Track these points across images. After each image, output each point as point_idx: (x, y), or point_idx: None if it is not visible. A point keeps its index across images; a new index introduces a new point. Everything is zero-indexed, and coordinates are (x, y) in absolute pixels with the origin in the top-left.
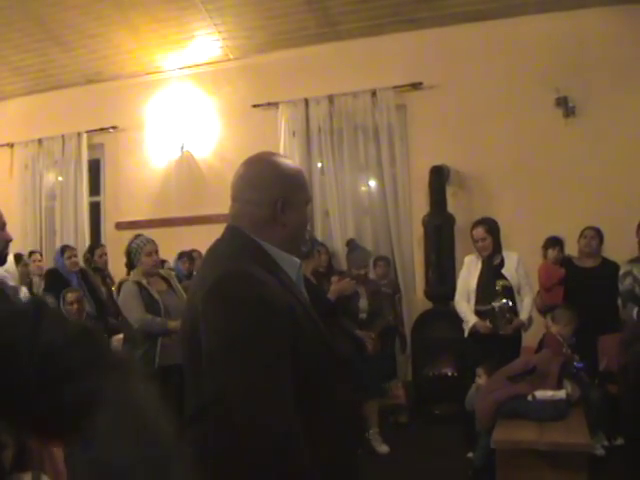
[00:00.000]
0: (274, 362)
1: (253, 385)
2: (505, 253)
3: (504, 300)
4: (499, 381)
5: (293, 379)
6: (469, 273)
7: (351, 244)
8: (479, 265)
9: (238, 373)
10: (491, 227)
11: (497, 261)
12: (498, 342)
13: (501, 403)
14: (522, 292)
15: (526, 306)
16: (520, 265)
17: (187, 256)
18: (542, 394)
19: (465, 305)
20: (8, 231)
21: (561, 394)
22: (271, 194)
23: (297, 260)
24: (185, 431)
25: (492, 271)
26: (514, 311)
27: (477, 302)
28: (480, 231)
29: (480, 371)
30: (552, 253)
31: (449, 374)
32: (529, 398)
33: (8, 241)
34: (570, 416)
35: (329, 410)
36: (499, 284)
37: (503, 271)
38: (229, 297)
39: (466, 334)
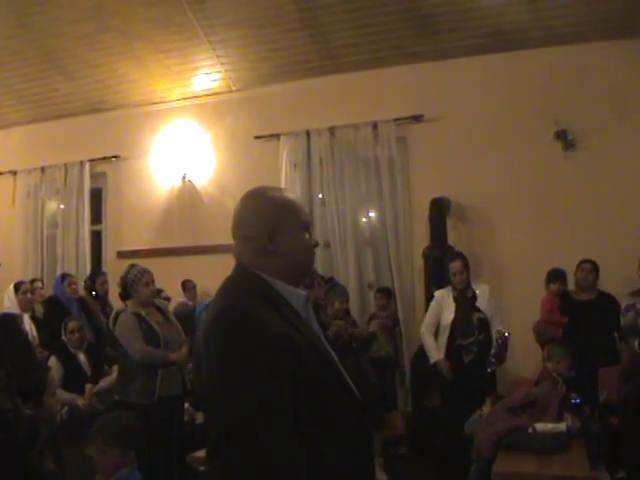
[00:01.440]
0: (270, 396)
1: (249, 421)
2: (475, 286)
3: (506, 333)
4: (500, 412)
5: (295, 412)
6: (441, 307)
7: (331, 281)
8: (451, 300)
9: (235, 409)
10: (466, 261)
11: (470, 294)
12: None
13: (502, 435)
14: (494, 323)
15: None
16: (492, 297)
17: (181, 286)
18: (542, 426)
19: (431, 340)
20: None
21: (561, 427)
22: (258, 226)
23: (302, 293)
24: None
25: (468, 305)
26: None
27: (456, 336)
28: (458, 265)
29: (488, 400)
30: (554, 287)
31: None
32: (530, 430)
33: None
34: (571, 449)
35: (335, 442)
36: (475, 317)
37: (477, 304)
38: (224, 333)
39: (448, 375)
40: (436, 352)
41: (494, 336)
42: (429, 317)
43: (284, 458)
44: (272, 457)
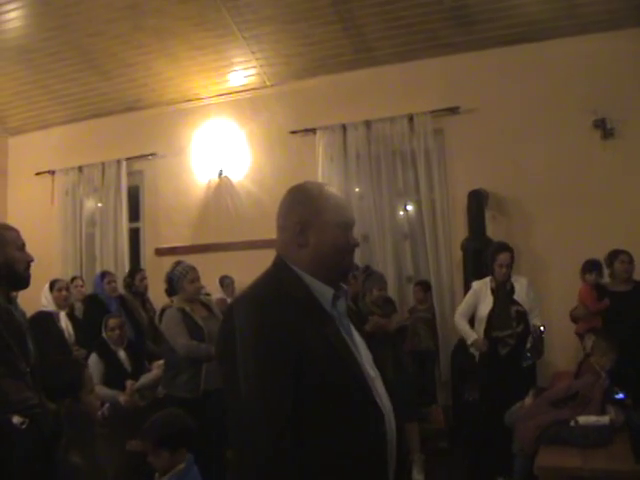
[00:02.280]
0: (269, 391)
1: (250, 414)
2: (514, 278)
3: (541, 327)
4: (541, 406)
5: (300, 411)
6: (477, 299)
7: (367, 270)
8: (489, 291)
9: (237, 402)
10: (513, 254)
11: (509, 287)
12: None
13: (543, 428)
14: (532, 315)
15: None
16: (531, 289)
17: (219, 282)
18: (585, 419)
19: (465, 324)
20: (28, 252)
21: (605, 420)
22: (291, 218)
23: (329, 289)
24: None
25: (506, 297)
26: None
27: (493, 329)
28: (507, 257)
29: (531, 392)
30: (589, 277)
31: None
32: (572, 423)
33: (29, 262)
34: (614, 442)
35: (344, 450)
36: (513, 310)
37: (515, 297)
38: (239, 322)
39: (478, 359)
40: (472, 333)
41: (532, 329)
42: (464, 306)
43: (269, 448)
44: (264, 454)
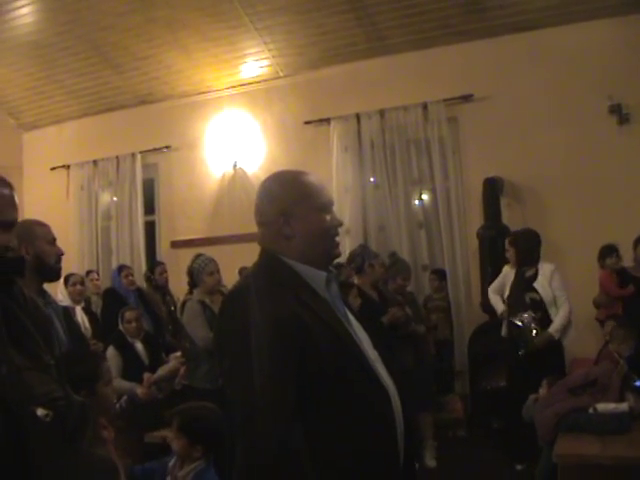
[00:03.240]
0: (271, 383)
1: (249, 406)
2: (540, 265)
3: (525, 314)
4: (559, 393)
5: (305, 399)
6: (505, 282)
7: (394, 256)
8: (512, 276)
9: (238, 394)
10: (516, 239)
11: (529, 273)
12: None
13: (562, 416)
14: (558, 303)
15: (559, 318)
16: (555, 276)
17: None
18: (604, 407)
19: (496, 296)
20: (58, 245)
21: (624, 407)
22: (273, 212)
23: (322, 273)
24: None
25: (522, 284)
26: (542, 325)
27: (509, 314)
28: (507, 242)
29: (544, 382)
30: (610, 261)
31: (503, 386)
32: (590, 411)
33: (60, 255)
34: (633, 429)
35: (352, 436)
36: (528, 297)
37: (536, 284)
38: (227, 313)
39: (503, 332)
40: (501, 305)
41: (518, 319)
42: (495, 283)
43: (275, 442)
44: (267, 444)
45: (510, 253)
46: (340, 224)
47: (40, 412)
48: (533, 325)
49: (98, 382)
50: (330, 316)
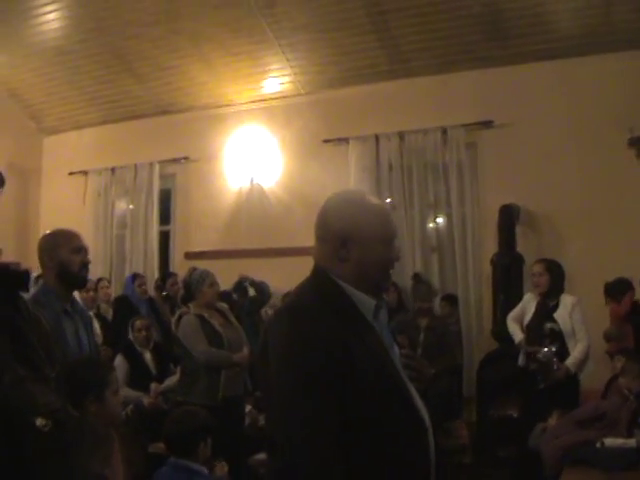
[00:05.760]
0: (313, 409)
1: (293, 431)
2: (562, 296)
3: (545, 349)
4: (567, 425)
5: (346, 427)
6: (524, 310)
7: (416, 278)
8: (533, 305)
9: (282, 418)
10: (551, 266)
11: (552, 303)
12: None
13: (568, 449)
14: (577, 337)
15: (578, 352)
16: (576, 309)
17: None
18: (612, 441)
19: (515, 324)
20: (86, 254)
21: (631, 442)
22: (333, 231)
23: (371, 301)
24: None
25: (544, 313)
26: (560, 357)
27: (527, 342)
28: (539, 266)
29: (555, 413)
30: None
31: (514, 416)
32: (598, 445)
33: (85, 263)
34: None
35: (391, 463)
36: (547, 327)
37: (556, 315)
38: (282, 334)
39: (520, 361)
40: (519, 333)
41: (540, 352)
42: (515, 311)
43: (320, 474)
44: (309, 472)
45: (543, 279)
46: (398, 258)
47: (39, 422)
48: (555, 360)
49: (106, 390)
50: (377, 345)
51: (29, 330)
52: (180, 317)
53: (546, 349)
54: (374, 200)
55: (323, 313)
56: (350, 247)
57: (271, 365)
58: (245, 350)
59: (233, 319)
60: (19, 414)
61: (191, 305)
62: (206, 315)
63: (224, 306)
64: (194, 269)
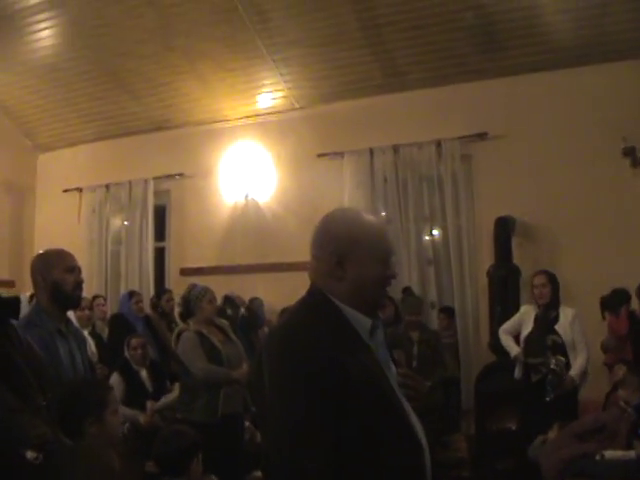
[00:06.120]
0: (311, 427)
1: (290, 450)
2: (561, 308)
3: (561, 357)
4: (566, 438)
5: (343, 447)
6: (521, 322)
7: (405, 291)
8: (532, 317)
9: (280, 436)
10: (552, 278)
11: (552, 315)
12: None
13: (568, 461)
14: (577, 349)
15: (579, 365)
16: (576, 321)
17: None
18: (612, 454)
19: (508, 337)
20: (79, 274)
21: (631, 454)
22: (328, 249)
23: (367, 320)
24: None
25: (545, 325)
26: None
27: (526, 355)
28: (541, 278)
29: (555, 425)
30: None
31: (512, 428)
32: (598, 457)
33: (78, 283)
34: None
35: (389, 475)
36: (550, 339)
37: (557, 327)
38: (278, 353)
39: (517, 374)
40: (515, 347)
41: (551, 362)
42: (509, 324)
43: None
44: None
45: (546, 290)
46: (394, 276)
47: (30, 454)
48: (564, 370)
49: (105, 410)
50: (373, 364)
51: (20, 358)
52: (180, 334)
53: (554, 360)
54: (370, 218)
55: (318, 332)
56: (346, 266)
57: (266, 383)
58: (245, 366)
59: (233, 335)
60: (9, 447)
61: (190, 322)
62: (205, 332)
63: (224, 322)
64: (193, 285)
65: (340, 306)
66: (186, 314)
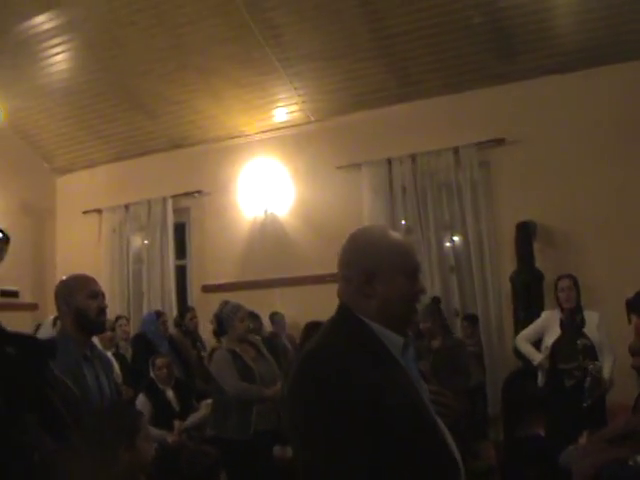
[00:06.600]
0: (347, 451)
1: (323, 468)
2: (585, 312)
3: (597, 362)
4: (597, 443)
5: (379, 466)
6: (544, 328)
7: (434, 301)
8: (557, 323)
9: (313, 459)
10: (577, 282)
11: (578, 319)
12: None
13: (599, 468)
14: (604, 352)
15: (607, 368)
16: (602, 324)
17: (269, 319)
18: None
19: (529, 345)
20: (102, 299)
21: None
22: (356, 268)
23: (398, 337)
24: None
25: (574, 329)
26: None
27: (559, 360)
28: (566, 281)
29: (585, 433)
30: None
31: (541, 435)
32: (630, 463)
33: (102, 308)
34: None
35: None
36: (580, 343)
37: (584, 330)
38: (306, 375)
39: (540, 381)
40: (537, 353)
41: (589, 366)
42: (529, 331)
43: None
44: None
45: (572, 294)
46: (424, 291)
47: None
48: (602, 374)
49: (137, 436)
50: (406, 383)
51: (57, 399)
52: (213, 352)
53: (591, 365)
54: (395, 234)
55: (350, 354)
56: (375, 284)
57: (297, 409)
58: (278, 384)
59: (266, 352)
60: None
61: (223, 339)
62: (238, 349)
63: (257, 339)
64: (226, 302)
65: (371, 325)
66: (219, 331)
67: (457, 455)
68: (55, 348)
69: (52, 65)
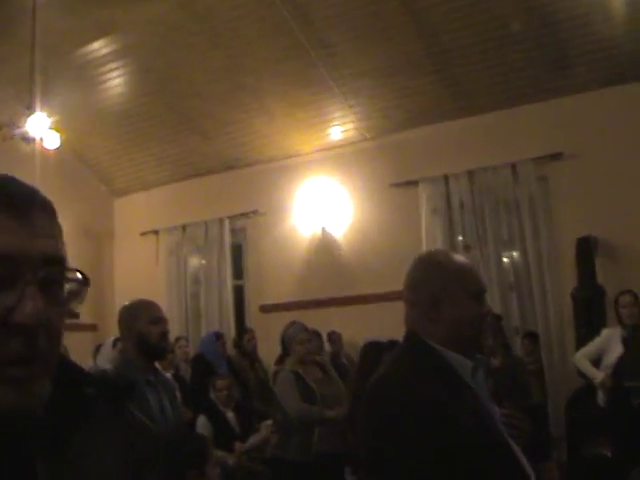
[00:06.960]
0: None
1: None
2: None
3: None
4: None
5: None
6: (605, 346)
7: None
8: (619, 340)
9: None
10: (638, 298)
11: None
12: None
13: None
14: None
15: None
16: None
17: (327, 338)
18: None
19: (589, 363)
20: (164, 324)
21: None
22: (422, 293)
23: (467, 361)
24: None
25: (638, 345)
26: None
27: (625, 378)
28: (628, 297)
29: None
30: None
31: (607, 455)
32: None
33: (164, 333)
34: None
35: None
36: None
37: None
38: (376, 403)
39: (601, 400)
40: (598, 372)
41: None
42: (590, 348)
43: None
44: None
45: (635, 310)
46: (491, 313)
47: None
48: None
49: (207, 463)
50: (478, 407)
51: (141, 445)
52: (276, 373)
53: None
54: (459, 257)
55: (420, 380)
56: (441, 307)
57: (368, 436)
58: (343, 405)
59: (333, 373)
60: None
61: (287, 360)
62: (301, 371)
63: (325, 359)
64: (291, 324)
65: (439, 349)
66: (284, 352)
67: (533, 478)
68: (133, 389)
69: (109, 89)
